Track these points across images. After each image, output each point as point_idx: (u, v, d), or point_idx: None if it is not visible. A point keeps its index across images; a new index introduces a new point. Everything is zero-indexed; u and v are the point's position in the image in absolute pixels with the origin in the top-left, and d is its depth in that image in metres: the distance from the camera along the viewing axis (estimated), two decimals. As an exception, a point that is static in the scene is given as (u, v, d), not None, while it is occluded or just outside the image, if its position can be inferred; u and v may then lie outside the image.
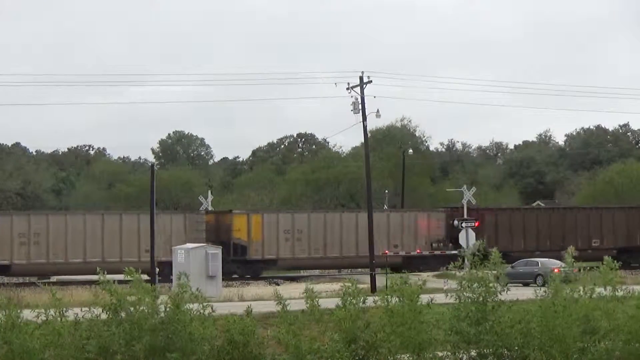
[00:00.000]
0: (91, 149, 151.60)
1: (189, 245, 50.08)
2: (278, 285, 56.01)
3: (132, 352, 18.68)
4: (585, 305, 20.83)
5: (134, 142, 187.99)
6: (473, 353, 20.80)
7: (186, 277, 19.80)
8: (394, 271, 63.44)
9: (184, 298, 19.28)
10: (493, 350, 20.59)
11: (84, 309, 19.43)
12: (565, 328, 20.12)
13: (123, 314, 18.96)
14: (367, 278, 52.50)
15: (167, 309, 19.07)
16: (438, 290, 35.54)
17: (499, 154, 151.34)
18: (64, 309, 19.13)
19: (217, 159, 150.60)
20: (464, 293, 21.22)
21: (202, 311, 19.35)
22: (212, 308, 19.47)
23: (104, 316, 19.30)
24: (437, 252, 66.08)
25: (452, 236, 65.87)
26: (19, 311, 18.93)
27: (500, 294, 21.32)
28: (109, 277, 19.46)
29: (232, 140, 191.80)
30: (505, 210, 73.00)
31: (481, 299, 20.98)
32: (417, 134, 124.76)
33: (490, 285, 21.18)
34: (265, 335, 20.11)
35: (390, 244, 64.58)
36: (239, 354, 19.15)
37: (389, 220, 65.93)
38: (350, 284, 21.00)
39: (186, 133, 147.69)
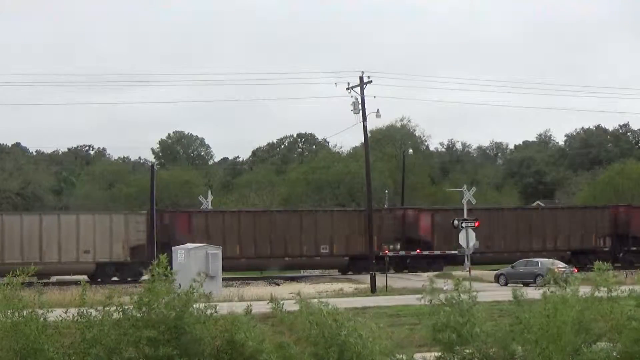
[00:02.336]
0: (91, 149, 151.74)
1: (189, 245, 50.08)
2: (278, 285, 56.08)
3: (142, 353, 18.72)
4: (573, 306, 20.77)
5: (134, 142, 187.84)
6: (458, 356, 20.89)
7: (204, 277, 19.85)
8: (90, 279, 58.59)
9: (192, 300, 19.27)
10: (479, 356, 20.72)
11: (99, 308, 19.36)
12: (555, 328, 20.09)
13: (154, 315, 18.89)
14: (367, 278, 52.56)
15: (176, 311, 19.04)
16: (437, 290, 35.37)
17: (499, 154, 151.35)
18: (109, 307, 19.10)
19: (217, 159, 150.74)
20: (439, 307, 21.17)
21: (205, 312, 19.37)
22: (215, 309, 19.48)
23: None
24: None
25: (161, 240, 59.33)
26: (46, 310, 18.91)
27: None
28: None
29: (232, 140, 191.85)
30: (262, 212, 66.75)
31: (457, 315, 20.91)
32: (417, 134, 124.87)
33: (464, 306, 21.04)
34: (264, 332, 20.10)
35: (80, 249, 58.56)
36: (238, 353, 19.16)
37: (79, 223, 59.22)
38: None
39: (186, 133, 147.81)
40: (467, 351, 20.69)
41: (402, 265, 65.29)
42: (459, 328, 20.62)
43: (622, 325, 20.64)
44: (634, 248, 69.54)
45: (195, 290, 19.38)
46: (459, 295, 21.04)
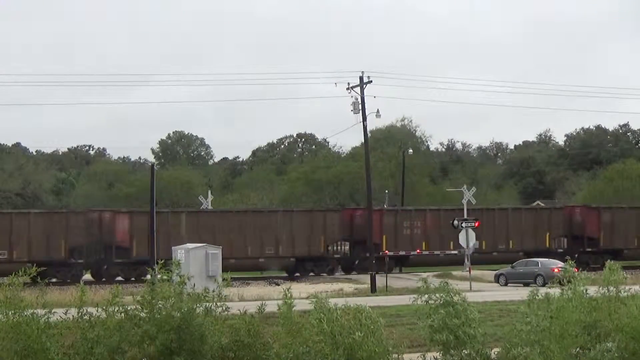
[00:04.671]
0: (91, 149, 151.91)
1: (189, 245, 50.02)
2: (278, 285, 56.08)
3: (144, 352, 18.70)
4: (576, 307, 20.76)
5: (134, 142, 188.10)
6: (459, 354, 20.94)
7: (187, 279, 19.81)
8: None
9: (200, 298, 19.27)
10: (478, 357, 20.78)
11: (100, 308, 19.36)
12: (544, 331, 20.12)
13: (162, 313, 18.88)
14: (367, 278, 52.57)
15: (184, 310, 19.03)
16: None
17: (499, 154, 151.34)
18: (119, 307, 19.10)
19: (217, 159, 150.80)
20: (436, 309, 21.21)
21: (215, 311, 19.39)
22: (225, 308, 19.50)
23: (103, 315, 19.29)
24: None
25: None
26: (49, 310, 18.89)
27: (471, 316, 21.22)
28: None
29: (232, 140, 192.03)
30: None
31: (453, 317, 20.97)
32: (417, 134, 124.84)
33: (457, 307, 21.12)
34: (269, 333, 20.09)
35: None
36: (245, 353, 19.17)
37: None
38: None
39: (186, 133, 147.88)
40: (465, 352, 20.74)
41: (99, 273, 59.86)
42: (456, 329, 20.67)
43: (627, 325, 20.64)
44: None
45: (207, 292, 19.38)
46: (451, 297, 21.11)
